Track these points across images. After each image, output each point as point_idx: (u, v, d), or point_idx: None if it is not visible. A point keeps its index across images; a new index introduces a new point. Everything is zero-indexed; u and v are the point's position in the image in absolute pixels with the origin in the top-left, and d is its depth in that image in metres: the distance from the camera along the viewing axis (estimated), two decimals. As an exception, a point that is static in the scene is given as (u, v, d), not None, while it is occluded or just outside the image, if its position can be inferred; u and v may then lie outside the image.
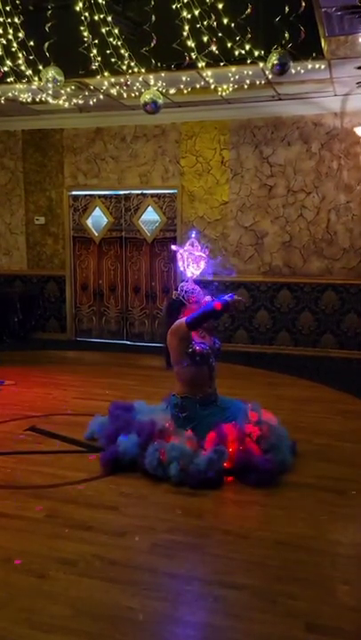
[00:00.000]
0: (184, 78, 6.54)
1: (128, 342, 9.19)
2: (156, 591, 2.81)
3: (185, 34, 5.28)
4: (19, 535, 3.34)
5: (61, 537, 3.31)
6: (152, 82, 6.50)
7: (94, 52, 5.63)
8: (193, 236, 4.56)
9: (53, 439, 4.83)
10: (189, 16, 5.19)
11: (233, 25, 5.34)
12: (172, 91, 6.87)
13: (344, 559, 3.16)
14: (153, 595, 2.78)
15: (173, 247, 4.55)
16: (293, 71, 5.99)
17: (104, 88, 6.93)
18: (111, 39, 5.49)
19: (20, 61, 5.80)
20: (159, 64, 6.05)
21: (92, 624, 2.57)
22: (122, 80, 6.37)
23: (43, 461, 4.39)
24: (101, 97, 7.31)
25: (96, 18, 5.35)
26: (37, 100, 7.22)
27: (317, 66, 6.24)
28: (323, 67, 6.34)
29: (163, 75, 6.38)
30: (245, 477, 3.96)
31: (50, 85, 5.84)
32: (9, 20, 5.53)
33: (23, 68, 5.86)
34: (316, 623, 2.60)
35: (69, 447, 4.66)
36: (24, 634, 2.51)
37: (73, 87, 6.96)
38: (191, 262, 4.47)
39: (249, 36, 5.44)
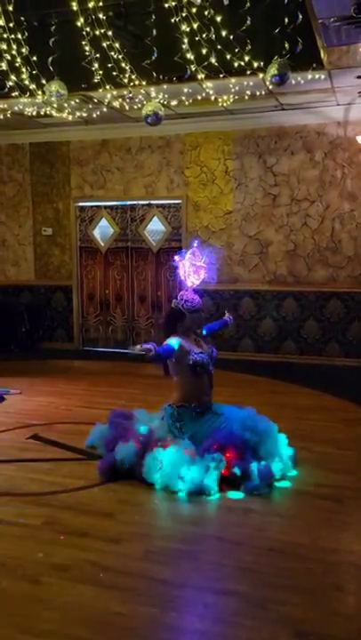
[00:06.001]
0: (185, 90, 6.62)
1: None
2: (147, 597, 2.83)
3: (185, 47, 5.35)
4: (15, 541, 3.38)
5: (57, 543, 3.35)
6: (153, 94, 6.59)
7: (96, 65, 5.72)
8: (195, 245, 4.60)
9: (54, 447, 4.88)
10: (189, 29, 5.26)
11: (232, 37, 5.41)
12: (173, 102, 6.95)
13: (337, 566, 3.16)
14: (143, 601, 2.80)
15: (176, 257, 4.57)
16: (293, 82, 6.04)
17: (107, 101, 7.03)
18: (113, 53, 5.58)
19: (24, 76, 5.91)
20: (160, 76, 6.14)
21: (82, 629, 2.59)
22: (124, 93, 6.47)
23: (43, 469, 4.43)
24: (105, 110, 7.41)
25: (97, 32, 5.44)
26: (42, 113, 7.34)
27: (317, 76, 6.29)
28: (323, 77, 6.39)
29: (165, 87, 6.46)
30: (243, 485, 3.97)
31: (53, 99, 5.94)
32: (12, 36, 5.65)
33: (27, 82, 5.97)
34: (306, 629, 2.60)
35: (70, 455, 4.69)
36: (14, 638, 2.54)
37: (77, 100, 7.08)
38: (192, 272, 4.50)
39: (248, 47, 5.51)
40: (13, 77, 5.92)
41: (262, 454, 4.09)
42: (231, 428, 4.19)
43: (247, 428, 4.19)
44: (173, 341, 4.23)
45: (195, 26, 5.23)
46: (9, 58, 5.77)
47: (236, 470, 3.99)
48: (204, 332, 4.64)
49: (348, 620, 2.71)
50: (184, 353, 4.27)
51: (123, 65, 5.67)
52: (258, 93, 6.74)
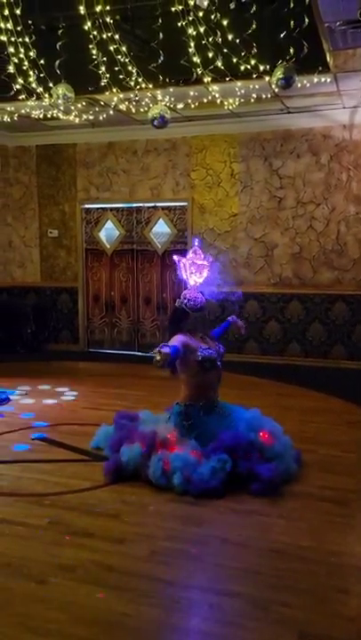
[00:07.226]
0: (192, 93, 6.65)
1: (139, 353, 9.26)
2: (152, 598, 2.85)
3: (191, 50, 5.38)
4: (20, 542, 3.41)
5: (62, 544, 3.37)
6: (160, 97, 6.61)
7: (103, 69, 5.75)
8: (196, 244, 4.62)
9: (60, 448, 4.90)
10: (195, 33, 5.29)
11: (238, 40, 5.44)
12: (179, 105, 6.98)
13: (341, 569, 3.16)
14: (148, 601, 2.81)
15: (175, 257, 4.60)
16: (299, 85, 6.06)
17: (113, 103, 7.07)
18: (119, 56, 5.61)
19: (32, 79, 5.94)
20: (167, 79, 6.17)
21: (86, 629, 2.61)
22: (131, 96, 6.50)
23: (48, 470, 4.46)
24: (111, 112, 7.45)
25: (105, 36, 5.47)
26: (49, 115, 7.38)
27: (323, 79, 6.31)
28: (329, 80, 6.41)
29: (171, 90, 6.50)
30: (247, 486, 3.98)
31: (60, 102, 5.98)
32: (20, 40, 5.69)
33: (34, 85, 6.01)
34: (308, 631, 2.61)
35: (75, 456, 4.72)
36: (19, 637, 2.56)
37: (84, 103, 7.12)
38: (194, 271, 4.52)
39: (254, 51, 5.54)
40: (21, 80, 5.97)
41: (268, 455, 4.09)
42: (237, 428, 4.20)
43: (253, 428, 4.20)
44: (177, 341, 4.25)
45: (201, 29, 5.26)
46: (16, 61, 5.82)
47: (242, 471, 4.00)
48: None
49: (351, 622, 2.71)
50: (191, 350, 4.28)
51: (129, 68, 5.70)
52: (264, 96, 6.77)
